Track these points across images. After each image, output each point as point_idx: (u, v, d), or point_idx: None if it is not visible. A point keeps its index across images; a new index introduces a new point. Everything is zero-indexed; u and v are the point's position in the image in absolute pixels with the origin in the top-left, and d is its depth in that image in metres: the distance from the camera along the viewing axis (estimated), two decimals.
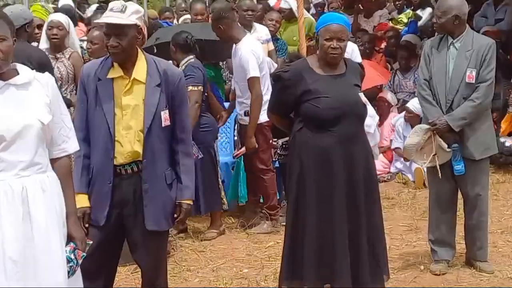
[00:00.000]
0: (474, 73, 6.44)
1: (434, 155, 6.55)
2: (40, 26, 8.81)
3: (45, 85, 4.26)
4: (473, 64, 6.46)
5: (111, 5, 5.02)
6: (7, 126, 4.03)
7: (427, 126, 6.55)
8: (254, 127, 8.03)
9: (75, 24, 11.70)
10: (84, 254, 4.38)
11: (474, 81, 6.45)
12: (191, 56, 8.04)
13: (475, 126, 6.54)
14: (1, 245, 4.00)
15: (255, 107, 8.00)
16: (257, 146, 8.06)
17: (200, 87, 7.92)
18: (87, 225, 4.85)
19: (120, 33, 4.83)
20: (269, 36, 9.79)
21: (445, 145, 6.47)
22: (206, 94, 8.16)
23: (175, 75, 5.03)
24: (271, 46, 9.68)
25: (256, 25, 9.48)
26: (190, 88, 7.67)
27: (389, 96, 10.85)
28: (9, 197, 4.04)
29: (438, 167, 6.52)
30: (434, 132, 6.49)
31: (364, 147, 5.64)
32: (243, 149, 8.34)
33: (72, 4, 14.82)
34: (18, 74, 4.17)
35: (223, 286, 6.69)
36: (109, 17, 4.90)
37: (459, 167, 6.54)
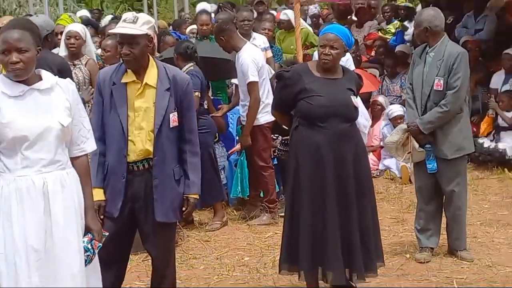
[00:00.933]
0: (442, 81, 6.47)
1: (408, 153, 6.64)
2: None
3: (66, 90, 4.28)
4: (442, 72, 6.49)
5: (124, 16, 5.06)
6: (30, 128, 4.06)
7: (405, 127, 6.64)
8: (250, 127, 8.10)
9: (96, 33, 11.75)
10: (100, 244, 4.41)
11: (442, 89, 6.48)
12: (191, 64, 8.06)
13: (446, 129, 6.56)
14: (24, 235, 4.03)
15: (252, 109, 8.06)
16: (250, 143, 8.14)
17: (197, 93, 7.93)
18: (102, 217, 4.87)
19: (132, 42, 4.85)
20: (267, 44, 9.83)
21: (416, 145, 6.55)
22: (205, 99, 8.19)
23: (183, 81, 5.04)
24: (269, 53, 9.70)
25: (254, 34, 9.50)
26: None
27: (381, 99, 10.88)
28: (31, 191, 4.07)
29: (412, 164, 6.67)
30: (410, 133, 6.57)
31: (355, 144, 5.64)
32: (238, 146, 8.50)
33: (88, 15, 14.83)
34: (41, 79, 4.19)
35: (226, 273, 6.71)
36: (122, 28, 4.92)
37: (430, 165, 6.61)
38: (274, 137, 8.46)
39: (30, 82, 4.15)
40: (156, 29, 5.41)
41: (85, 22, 12.67)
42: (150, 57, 5.01)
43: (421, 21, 6.59)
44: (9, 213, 4.06)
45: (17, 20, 4.49)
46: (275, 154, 8.73)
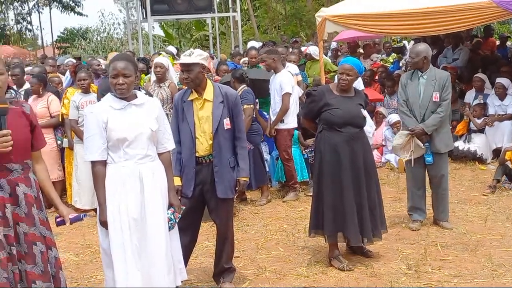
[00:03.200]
0: (438, 95, 6.45)
1: (411, 151, 6.57)
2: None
3: (153, 105, 4.33)
4: (437, 89, 6.46)
5: (185, 52, 5.13)
6: (129, 132, 4.11)
7: (407, 132, 6.55)
8: (277, 123, 8.22)
9: None
10: (180, 215, 4.44)
11: (438, 100, 6.46)
12: (244, 85, 8.10)
13: (439, 130, 6.52)
14: (126, 209, 4.09)
15: (282, 111, 8.16)
16: (275, 134, 8.26)
17: (251, 105, 7.99)
18: (180, 197, 4.90)
19: (188, 69, 4.90)
20: (298, 71, 9.86)
21: (421, 144, 6.49)
22: (254, 110, 8.23)
23: (233, 95, 5.06)
24: (299, 77, 9.73)
25: (288, 64, 9.52)
26: (245, 106, 7.76)
27: (383, 110, 10.87)
28: (131, 177, 4.13)
29: (413, 159, 6.56)
30: (413, 136, 6.49)
31: (363, 143, 5.68)
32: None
33: (174, 51, 14.91)
34: (136, 97, 4.24)
35: (270, 236, 6.71)
36: (181, 59, 5.01)
37: (429, 158, 6.57)
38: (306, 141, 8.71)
39: (129, 99, 4.20)
40: (218, 60, 5.43)
41: (171, 55, 12.82)
42: (208, 80, 5.04)
43: (420, 52, 6.50)
44: (115, 193, 4.11)
45: (121, 54, 4.52)
46: (305, 150, 8.79)
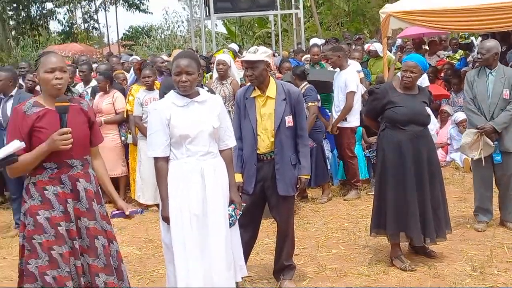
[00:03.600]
0: (508, 92, 6.30)
1: (480, 150, 6.41)
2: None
3: (216, 102, 4.36)
4: (507, 86, 6.31)
5: (249, 49, 5.13)
6: (191, 129, 4.15)
7: (475, 130, 6.38)
8: (340, 121, 8.17)
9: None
10: (241, 212, 4.46)
11: (508, 97, 6.30)
12: (306, 82, 8.08)
13: (508, 128, 6.36)
14: (189, 205, 4.13)
15: (345, 110, 8.12)
16: (337, 132, 8.23)
17: (316, 103, 7.97)
18: (241, 193, 4.92)
19: (253, 67, 4.90)
20: (360, 68, 9.79)
21: (491, 142, 6.33)
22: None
23: (295, 93, 5.04)
24: (361, 75, 9.65)
25: (350, 61, 9.45)
26: (310, 104, 7.74)
27: (447, 108, 10.68)
28: (193, 173, 4.16)
29: (483, 158, 6.38)
30: (482, 134, 6.33)
31: (427, 141, 5.58)
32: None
33: (237, 48, 15.01)
34: (199, 94, 4.28)
35: (330, 234, 6.68)
36: (246, 56, 5.02)
37: (498, 157, 6.42)
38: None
39: (192, 96, 4.23)
40: (280, 58, 5.43)
41: (233, 52, 12.90)
42: (271, 77, 5.04)
43: (491, 48, 6.36)
44: (177, 189, 4.15)
45: (185, 51, 4.57)
46: (367, 150, 8.73)
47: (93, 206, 3.85)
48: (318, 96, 8.36)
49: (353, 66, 9.08)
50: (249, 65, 4.93)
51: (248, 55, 4.99)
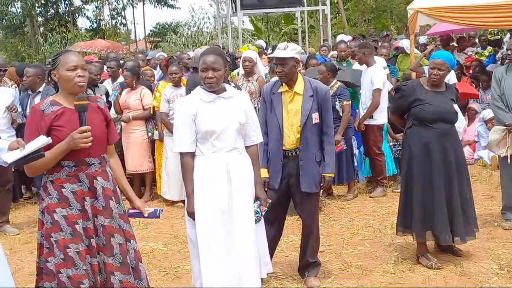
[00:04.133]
0: None
1: (508, 147, 6.35)
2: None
3: (242, 98, 4.36)
4: None
5: (278, 45, 5.13)
6: (218, 124, 4.15)
7: (503, 127, 6.32)
8: (366, 118, 8.18)
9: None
10: (266, 208, 4.45)
11: None
12: (336, 80, 8.05)
13: None
14: (215, 201, 4.14)
15: (371, 107, 8.12)
16: (363, 129, 8.24)
17: (350, 101, 7.96)
18: (266, 189, 4.93)
19: (283, 63, 4.91)
20: (385, 65, 9.74)
21: None
22: None
23: (323, 90, 5.03)
24: (387, 71, 9.60)
25: (376, 58, 9.41)
26: (345, 102, 7.77)
27: (475, 106, 10.59)
28: (218, 169, 4.16)
29: (509, 156, 6.32)
30: (510, 131, 6.27)
31: (454, 139, 5.54)
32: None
33: (263, 44, 15.05)
34: (225, 90, 4.28)
35: (356, 232, 6.67)
36: (276, 53, 5.01)
37: None
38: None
39: (218, 92, 4.24)
40: (308, 54, 5.44)
41: (260, 49, 12.92)
42: (298, 73, 5.05)
43: None
44: (203, 185, 4.16)
45: (212, 48, 4.58)
46: (391, 144, 8.69)
47: (110, 204, 3.85)
48: None
49: (379, 62, 9.06)
50: (279, 62, 4.94)
51: (278, 52, 4.99)
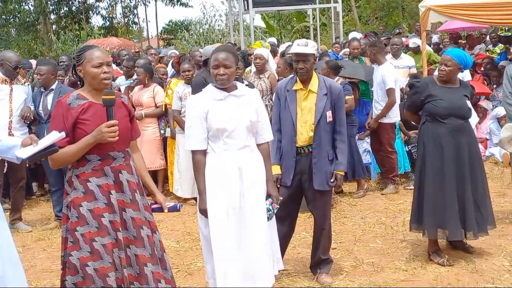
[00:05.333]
0: None
1: None
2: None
3: (253, 96, 4.36)
4: None
5: (297, 41, 5.13)
6: (229, 122, 4.16)
7: None
8: (381, 117, 8.17)
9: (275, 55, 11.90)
10: (278, 206, 4.45)
11: None
12: (339, 77, 8.06)
13: None
14: (227, 198, 4.14)
15: (388, 106, 8.11)
16: (376, 127, 8.23)
17: (352, 96, 7.94)
18: (278, 186, 4.93)
19: (305, 60, 4.92)
20: (413, 64, 9.71)
21: None
22: None
23: (337, 89, 5.05)
24: (413, 70, 9.57)
25: (402, 55, 9.37)
26: (347, 97, 7.72)
27: (484, 104, 10.56)
28: (230, 166, 4.17)
29: None
30: None
31: (468, 135, 5.53)
32: (367, 132, 8.50)
33: (276, 41, 15.05)
34: (237, 88, 4.29)
35: (368, 229, 6.66)
36: (298, 49, 5.00)
37: None
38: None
39: (229, 90, 4.24)
40: (320, 51, 5.47)
41: (272, 46, 12.91)
42: (313, 71, 5.05)
43: None
44: (215, 182, 4.16)
45: (224, 45, 4.59)
46: (408, 144, 8.68)
47: (136, 197, 3.89)
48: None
49: (403, 61, 9.03)
50: (301, 58, 4.95)
51: (300, 48, 4.99)
